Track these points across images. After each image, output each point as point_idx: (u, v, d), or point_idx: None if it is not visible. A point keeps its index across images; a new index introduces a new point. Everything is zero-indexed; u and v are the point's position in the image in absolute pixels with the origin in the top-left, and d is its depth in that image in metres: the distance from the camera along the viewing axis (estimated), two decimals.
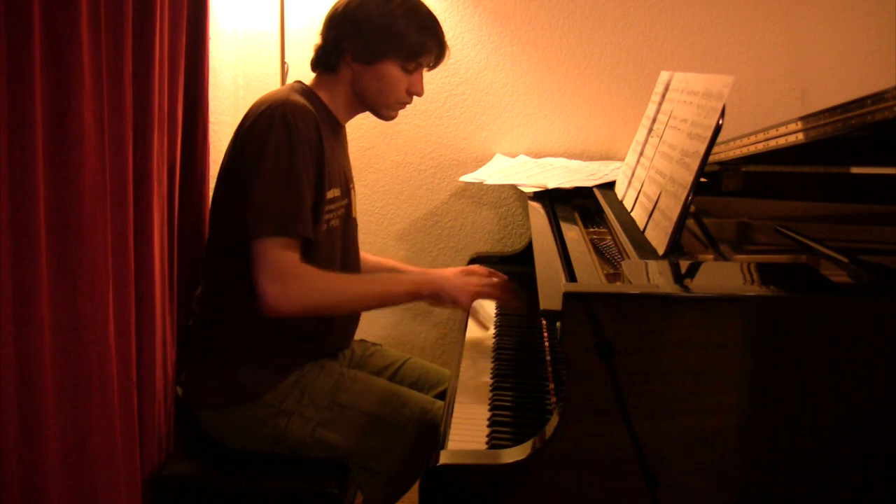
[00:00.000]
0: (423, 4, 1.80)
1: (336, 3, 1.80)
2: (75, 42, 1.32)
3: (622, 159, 2.09)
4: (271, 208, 1.62)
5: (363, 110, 1.87)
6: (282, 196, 1.62)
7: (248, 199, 1.63)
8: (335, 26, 1.78)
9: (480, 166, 2.49)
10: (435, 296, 1.74)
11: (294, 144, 1.63)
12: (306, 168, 1.65)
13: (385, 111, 1.84)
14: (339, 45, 1.77)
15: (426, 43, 1.77)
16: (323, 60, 1.81)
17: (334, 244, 1.81)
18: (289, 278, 1.62)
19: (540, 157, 2.51)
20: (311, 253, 1.70)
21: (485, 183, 2.33)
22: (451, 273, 1.81)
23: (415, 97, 1.84)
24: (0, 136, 1.20)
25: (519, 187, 2.27)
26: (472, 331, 1.91)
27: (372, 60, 1.76)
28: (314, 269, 1.67)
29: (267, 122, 1.64)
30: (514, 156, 2.53)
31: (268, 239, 1.62)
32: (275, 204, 1.62)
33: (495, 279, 1.83)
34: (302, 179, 1.64)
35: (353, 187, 1.93)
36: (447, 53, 1.84)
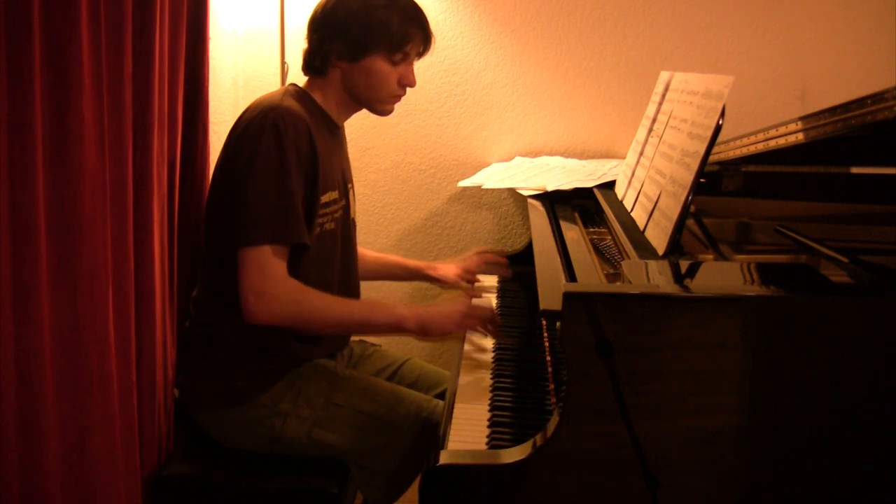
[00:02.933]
0: None
1: (316, 6, 1.79)
2: (75, 42, 1.32)
3: (622, 159, 2.09)
4: (262, 216, 1.61)
5: (359, 108, 1.86)
6: (272, 203, 1.62)
7: (240, 206, 1.63)
8: (317, 29, 1.77)
9: (480, 167, 2.49)
10: (421, 332, 1.71)
11: (285, 151, 1.62)
12: (297, 174, 1.65)
13: (379, 106, 1.83)
14: (322, 47, 1.76)
15: (409, 32, 1.75)
16: (310, 64, 1.80)
17: (332, 247, 1.80)
18: (269, 289, 1.62)
19: (539, 157, 2.51)
20: (307, 257, 1.70)
21: (483, 187, 2.33)
22: (440, 313, 1.72)
23: (410, 90, 1.82)
24: (0, 135, 1.20)
25: (518, 191, 2.26)
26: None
27: (357, 57, 1.74)
28: (298, 283, 1.66)
29: (258, 129, 1.64)
30: (511, 157, 2.53)
31: (256, 247, 1.61)
32: (266, 211, 1.62)
33: (483, 312, 1.77)
34: (293, 186, 1.63)
35: (352, 187, 1.93)
36: (433, 41, 1.81)
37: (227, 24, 2.38)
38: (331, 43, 1.75)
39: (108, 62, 1.44)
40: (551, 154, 2.53)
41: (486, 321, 1.75)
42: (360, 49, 1.74)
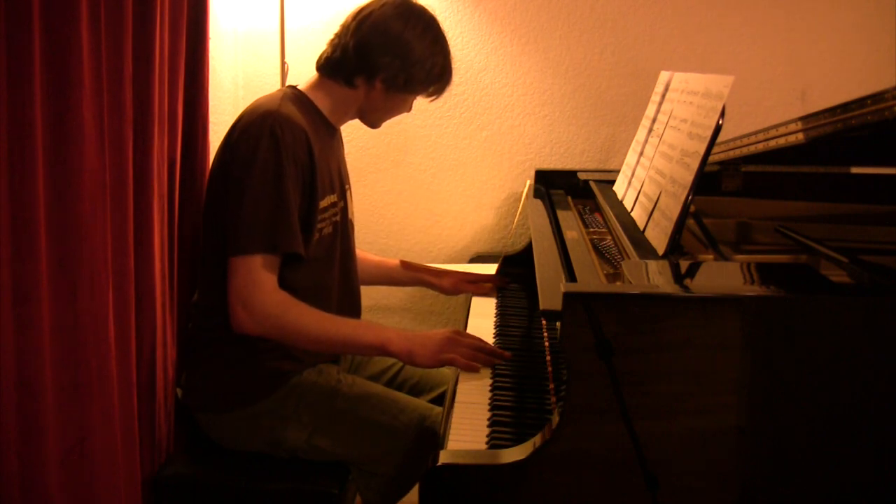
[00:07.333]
0: (447, 41, 1.82)
1: (367, 14, 1.75)
2: (75, 42, 1.32)
3: (622, 160, 2.09)
4: (256, 225, 1.60)
5: (355, 118, 1.88)
6: (266, 213, 1.61)
7: (234, 214, 1.62)
8: (371, 44, 1.73)
9: (480, 166, 2.48)
10: (407, 355, 1.65)
11: (281, 159, 1.61)
12: (293, 183, 1.64)
13: (378, 123, 1.88)
14: (374, 64, 1.73)
15: (445, 80, 1.83)
16: (342, 71, 1.76)
17: (330, 250, 1.79)
18: (258, 299, 1.61)
19: (539, 156, 2.51)
20: (306, 262, 1.69)
21: None
22: (428, 338, 1.66)
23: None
24: (0, 135, 1.20)
25: None
26: (473, 329, 1.90)
27: (402, 90, 1.78)
28: (287, 296, 1.64)
29: (256, 134, 1.62)
30: (509, 157, 2.53)
31: (246, 257, 1.61)
32: (259, 221, 1.61)
33: (473, 340, 1.68)
34: (288, 194, 1.62)
35: (349, 188, 1.92)
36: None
37: (227, 24, 2.38)
38: (386, 68, 1.74)
39: (108, 62, 1.44)
40: (550, 153, 2.53)
41: (476, 349, 1.65)
42: (410, 86, 1.78)
